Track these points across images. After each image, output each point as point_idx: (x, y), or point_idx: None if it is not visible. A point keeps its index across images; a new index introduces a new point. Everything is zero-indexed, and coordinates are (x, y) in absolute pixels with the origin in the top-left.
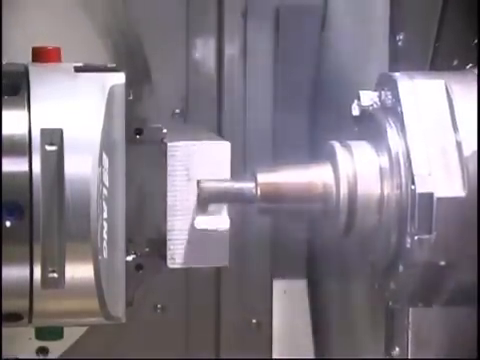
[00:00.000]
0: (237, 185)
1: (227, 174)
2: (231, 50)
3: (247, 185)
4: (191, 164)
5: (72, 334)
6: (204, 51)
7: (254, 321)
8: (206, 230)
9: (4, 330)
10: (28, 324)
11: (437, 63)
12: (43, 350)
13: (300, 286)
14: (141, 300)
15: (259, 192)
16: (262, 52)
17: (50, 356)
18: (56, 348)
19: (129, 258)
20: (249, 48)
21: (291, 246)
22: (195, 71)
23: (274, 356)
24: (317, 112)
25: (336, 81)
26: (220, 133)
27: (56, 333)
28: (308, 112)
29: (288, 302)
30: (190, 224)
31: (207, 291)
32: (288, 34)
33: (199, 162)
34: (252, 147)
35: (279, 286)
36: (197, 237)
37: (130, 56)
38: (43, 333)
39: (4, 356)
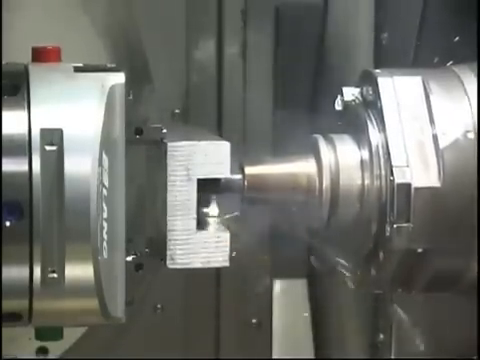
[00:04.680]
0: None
1: (227, 174)
2: (231, 50)
3: (235, 177)
4: (191, 164)
5: (72, 334)
6: (204, 51)
7: (254, 321)
8: (206, 231)
9: (4, 330)
10: (28, 324)
11: (419, 60)
12: (43, 350)
13: (300, 286)
14: (141, 300)
15: (246, 183)
16: (262, 52)
17: (50, 356)
18: (56, 348)
19: (129, 258)
20: (249, 48)
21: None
22: (195, 71)
23: (274, 356)
24: (317, 111)
25: (336, 79)
26: (220, 133)
27: (56, 333)
28: (308, 112)
29: (288, 302)
30: (190, 224)
31: (207, 291)
32: (288, 34)
33: (199, 162)
34: (252, 147)
35: (279, 286)
36: (197, 238)
37: (130, 56)
38: (43, 333)
39: (4, 356)
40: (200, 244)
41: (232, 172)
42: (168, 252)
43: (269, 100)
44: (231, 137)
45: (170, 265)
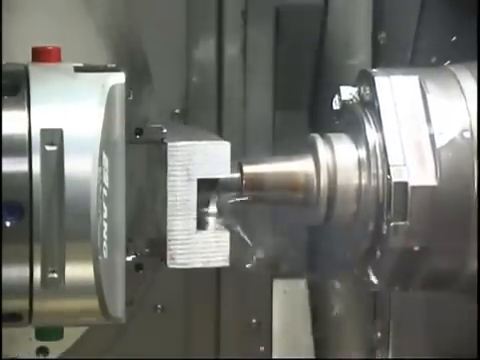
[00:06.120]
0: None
1: (227, 174)
2: (231, 50)
3: (233, 175)
4: (191, 164)
5: (72, 335)
6: (204, 51)
7: (254, 321)
8: (206, 230)
9: (4, 330)
10: (28, 324)
11: (416, 60)
12: (43, 350)
13: (300, 286)
14: (141, 299)
15: (244, 182)
16: (262, 52)
17: (50, 356)
18: (56, 348)
19: (129, 258)
20: (249, 48)
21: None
22: (195, 71)
23: (274, 356)
24: (317, 111)
25: (335, 79)
26: (220, 133)
27: (56, 333)
28: (308, 112)
29: (288, 302)
30: (190, 224)
31: (207, 291)
32: (288, 34)
33: (199, 162)
34: (252, 147)
35: (279, 286)
36: (197, 237)
37: (130, 56)
38: (43, 333)
39: (4, 356)
40: (200, 244)
41: (231, 171)
42: (168, 252)
43: (269, 100)
44: (231, 137)
45: (170, 265)
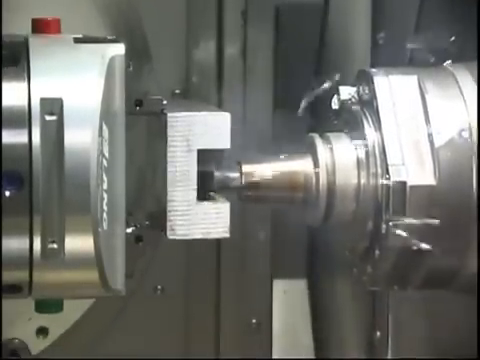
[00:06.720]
0: (224, 174)
1: (227, 145)
2: (231, 50)
3: (232, 174)
4: (191, 135)
5: (72, 315)
6: (204, 51)
7: (254, 321)
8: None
9: (4, 311)
10: (28, 296)
11: (415, 60)
12: (43, 331)
13: (300, 286)
14: (141, 277)
15: (244, 181)
16: (262, 52)
17: (49, 337)
18: (56, 329)
19: (129, 230)
20: (249, 48)
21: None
22: (195, 71)
23: (274, 356)
24: (317, 111)
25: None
26: None
27: (56, 305)
28: (308, 111)
29: (288, 302)
30: (190, 195)
31: (207, 291)
32: (288, 34)
33: (199, 133)
34: (252, 147)
35: (279, 286)
36: (197, 208)
37: (129, 35)
38: (43, 305)
39: (4, 336)
40: (200, 215)
41: (230, 171)
42: (168, 223)
43: (269, 100)
44: (231, 137)
45: (170, 236)
